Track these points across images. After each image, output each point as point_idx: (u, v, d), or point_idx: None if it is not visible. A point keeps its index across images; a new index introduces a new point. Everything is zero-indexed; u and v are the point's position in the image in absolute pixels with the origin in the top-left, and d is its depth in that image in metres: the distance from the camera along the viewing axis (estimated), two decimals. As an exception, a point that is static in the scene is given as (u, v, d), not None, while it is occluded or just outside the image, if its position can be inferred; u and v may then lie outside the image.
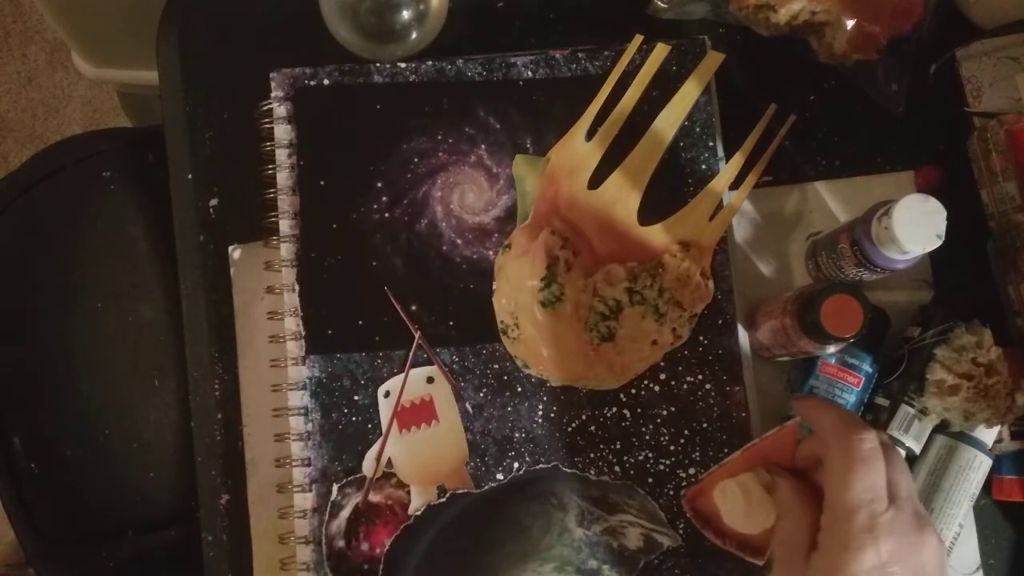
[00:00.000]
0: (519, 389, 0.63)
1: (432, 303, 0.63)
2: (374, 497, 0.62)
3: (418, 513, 0.61)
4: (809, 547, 0.50)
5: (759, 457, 0.59)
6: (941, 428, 0.63)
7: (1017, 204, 0.62)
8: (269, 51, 0.66)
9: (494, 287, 0.63)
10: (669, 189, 0.64)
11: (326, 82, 0.64)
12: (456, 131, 0.64)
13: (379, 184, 0.64)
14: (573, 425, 0.63)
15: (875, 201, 0.57)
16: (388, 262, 0.63)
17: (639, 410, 0.63)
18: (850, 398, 0.61)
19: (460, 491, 0.62)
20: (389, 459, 0.62)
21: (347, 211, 0.63)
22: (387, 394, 0.62)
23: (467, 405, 0.63)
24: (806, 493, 0.53)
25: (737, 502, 0.58)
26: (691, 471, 0.62)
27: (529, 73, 0.65)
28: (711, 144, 0.65)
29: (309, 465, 0.62)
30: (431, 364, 0.63)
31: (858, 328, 0.55)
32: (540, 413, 0.63)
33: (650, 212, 0.64)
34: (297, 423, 0.62)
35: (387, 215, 0.64)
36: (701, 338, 0.63)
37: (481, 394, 0.63)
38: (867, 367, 0.61)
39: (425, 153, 0.64)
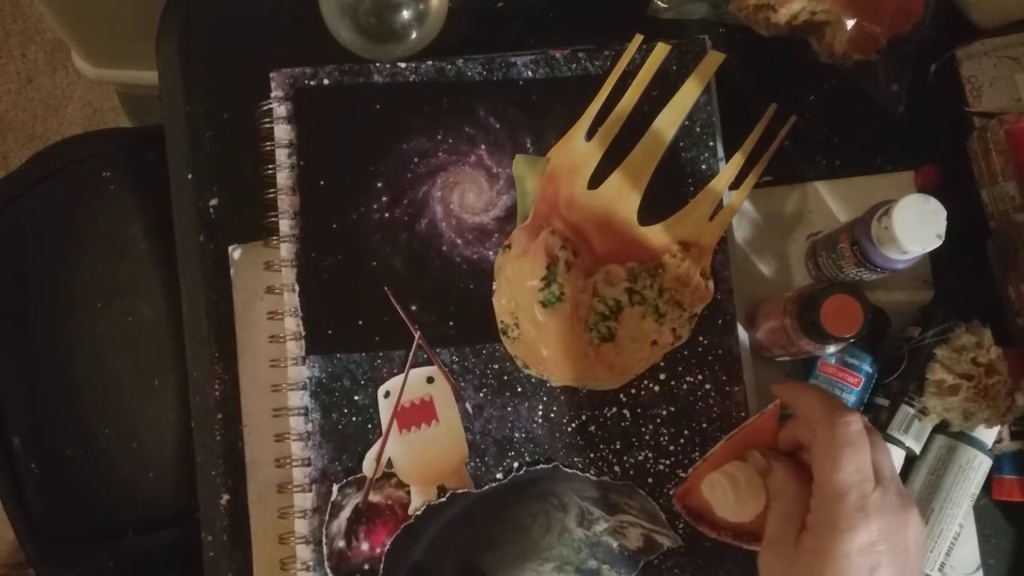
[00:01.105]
0: (519, 389, 0.63)
1: (432, 303, 0.63)
2: (374, 497, 0.62)
3: (418, 513, 0.61)
4: (800, 528, 0.50)
5: (741, 446, 0.59)
6: (941, 428, 0.63)
7: (1017, 204, 0.62)
8: (269, 51, 0.66)
9: (494, 287, 0.63)
10: (669, 189, 0.64)
11: (326, 82, 0.64)
12: (456, 131, 0.64)
13: (379, 184, 0.64)
14: (573, 425, 0.63)
15: (875, 201, 0.57)
16: (388, 262, 0.63)
17: (639, 410, 0.63)
18: (850, 398, 0.61)
19: (460, 491, 0.62)
20: (389, 459, 0.62)
21: (347, 211, 0.63)
22: (387, 394, 0.62)
23: (467, 405, 0.63)
24: (801, 475, 0.53)
25: (726, 492, 0.59)
26: (691, 471, 0.62)
27: (529, 73, 0.65)
28: (711, 144, 0.65)
29: (309, 465, 0.62)
30: (431, 364, 0.63)
31: (858, 328, 0.55)
32: (540, 413, 0.63)
33: (650, 212, 0.64)
34: (297, 423, 0.62)
35: (387, 215, 0.64)
36: (701, 338, 0.63)
37: (481, 394, 0.63)
38: (867, 367, 0.61)
39: (425, 153, 0.64)
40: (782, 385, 0.58)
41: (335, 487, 0.62)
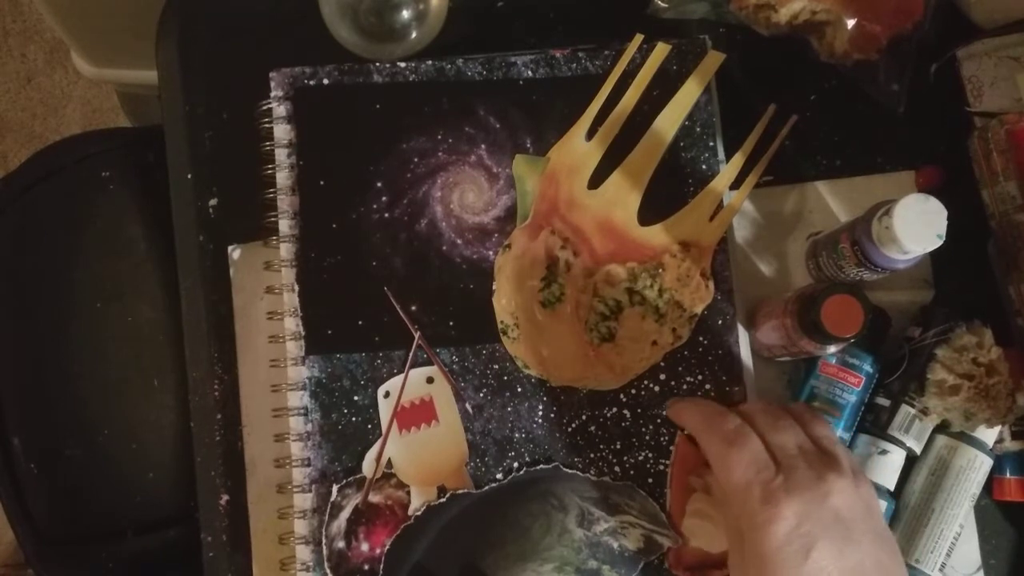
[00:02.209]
0: (519, 389, 0.63)
1: (432, 303, 0.63)
2: (374, 498, 0.62)
3: (418, 514, 0.61)
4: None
5: (683, 481, 0.61)
6: (942, 428, 0.63)
7: (1018, 204, 0.62)
8: (269, 51, 0.66)
9: (494, 287, 0.63)
10: (669, 189, 0.64)
11: (326, 82, 0.64)
12: (456, 131, 0.64)
13: (379, 184, 0.64)
14: (573, 425, 0.62)
15: (876, 201, 0.57)
16: (388, 262, 0.63)
17: (639, 410, 0.63)
18: (851, 398, 0.61)
19: (460, 492, 0.62)
20: (389, 459, 0.62)
21: (347, 211, 0.63)
22: (387, 394, 0.62)
23: (467, 405, 0.62)
24: None
25: (705, 529, 0.60)
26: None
27: (529, 73, 0.65)
28: (711, 144, 0.65)
29: (309, 465, 0.62)
30: (431, 364, 0.63)
31: (859, 328, 0.55)
32: (540, 413, 0.62)
33: (650, 212, 0.64)
34: (297, 423, 0.62)
35: (387, 215, 0.64)
36: (701, 338, 0.63)
37: (481, 394, 0.63)
38: (868, 367, 0.61)
39: (425, 153, 0.64)
40: (669, 408, 0.60)
41: (335, 487, 0.61)
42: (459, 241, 0.64)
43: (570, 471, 0.62)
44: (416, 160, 0.64)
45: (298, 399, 0.62)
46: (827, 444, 0.52)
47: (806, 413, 0.56)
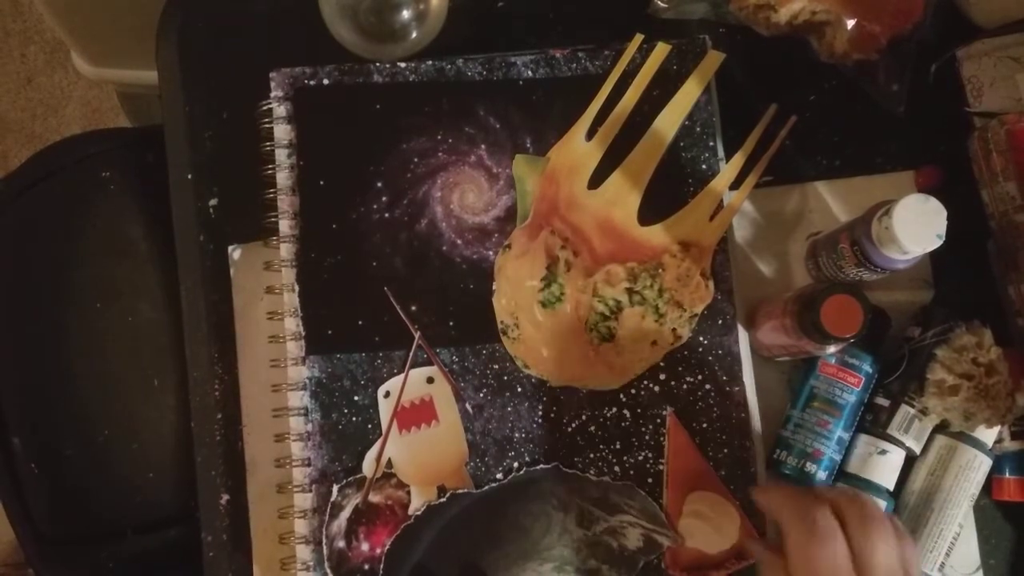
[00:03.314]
0: (519, 389, 0.63)
1: (432, 303, 0.63)
2: (374, 497, 0.62)
3: (418, 513, 0.61)
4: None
5: (679, 476, 0.61)
6: (941, 428, 0.63)
7: (1017, 204, 0.62)
8: (269, 51, 0.66)
9: (494, 287, 0.63)
10: (669, 189, 0.64)
11: (326, 82, 0.64)
12: (456, 131, 0.64)
13: (379, 184, 0.64)
14: (573, 425, 0.62)
15: (875, 201, 0.57)
16: (388, 262, 0.63)
17: (639, 410, 0.63)
18: (850, 398, 0.61)
19: (460, 491, 0.62)
20: (389, 459, 0.62)
21: (347, 211, 0.63)
22: (387, 394, 0.62)
23: (467, 405, 0.62)
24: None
25: (701, 529, 0.61)
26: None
27: (529, 73, 0.65)
28: (711, 144, 0.65)
29: (309, 465, 0.62)
30: (431, 364, 0.63)
31: (858, 328, 0.55)
32: (540, 413, 0.62)
33: (650, 212, 0.64)
34: (297, 423, 0.62)
35: (387, 215, 0.64)
36: (701, 338, 0.63)
37: (481, 394, 0.63)
38: (867, 367, 0.61)
39: (425, 153, 0.64)
40: (760, 494, 0.58)
41: (335, 487, 0.61)
42: (459, 241, 0.64)
43: (570, 471, 0.62)
44: (416, 160, 0.64)
45: (298, 399, 0.62)
46: (912, 572, 0.51)
47: (898, 529, 0.53)
